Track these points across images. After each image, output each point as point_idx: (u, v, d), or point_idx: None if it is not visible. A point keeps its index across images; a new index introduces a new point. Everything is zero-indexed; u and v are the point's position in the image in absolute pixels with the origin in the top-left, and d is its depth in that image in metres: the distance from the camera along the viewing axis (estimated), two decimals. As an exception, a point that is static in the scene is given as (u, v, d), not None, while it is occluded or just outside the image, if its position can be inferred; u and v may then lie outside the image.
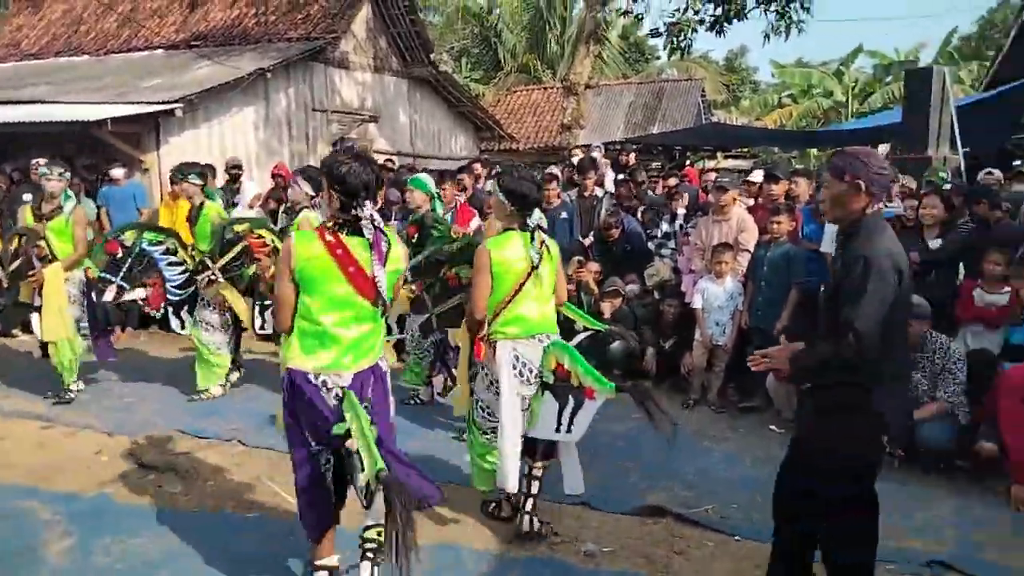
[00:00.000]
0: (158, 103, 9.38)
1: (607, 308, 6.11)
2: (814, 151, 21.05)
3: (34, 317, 5.54)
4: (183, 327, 5.74)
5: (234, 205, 8.42)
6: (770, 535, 2.97)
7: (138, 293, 5.52)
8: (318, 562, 3.05)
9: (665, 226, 7.08)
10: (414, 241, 5.23)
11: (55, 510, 3.86)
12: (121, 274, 5.48)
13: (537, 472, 3.62)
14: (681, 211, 7.06)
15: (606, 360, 3.90)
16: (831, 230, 4.88)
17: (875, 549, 2.68)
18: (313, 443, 2.89)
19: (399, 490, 2.41)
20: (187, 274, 5.66)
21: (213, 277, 5.55)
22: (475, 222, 5.99)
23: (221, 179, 8.90)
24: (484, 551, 3.51)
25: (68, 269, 5.48)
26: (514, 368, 3.48)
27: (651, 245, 7.05)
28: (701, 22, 11.69)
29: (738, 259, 5.90)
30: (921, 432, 4.43)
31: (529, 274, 3.46)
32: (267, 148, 11.35)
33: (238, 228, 5.61)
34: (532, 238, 3.49)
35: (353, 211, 2.83)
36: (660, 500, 4.04)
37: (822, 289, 2.85)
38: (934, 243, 5.42)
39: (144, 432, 4.95)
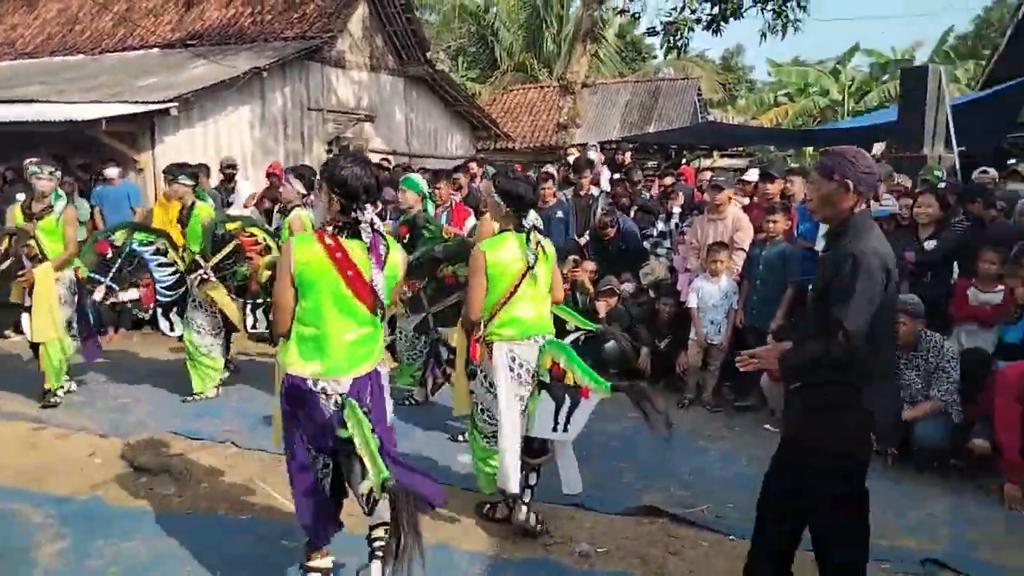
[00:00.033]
0: (153, 102, 9.35)
1: (602, 307, 6.11)
2: (810, 150, 21.06)
3: (24, 317, 5.50)
4: (172, 329, 5.71)
5: (229, 205, 8.41)
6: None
7: (132, 294, 5.49)
8: (311, 563, 3.05)
9: (661, 225, 7.08)
10: (405, 241, 5.22)
11: (47, 512, 3.84)
12: (110, 274, 5.45)
13: (534, 464, 3.65)
14: (677, 210, 7.06)
15: (601, 359, 3.91)
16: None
17: (867, 547, 2.68)
18: (312, 450, 2.88)
19: (406, 498, 2.39)
20: (177, 275, 5.63)
21: (205, 276, 5.52)
22: (470, 221, 5.99)
23: (216, 179, 8.89)
24: (478, 552, 3.51)
25: (58, 269, 5.44)
26: (511, 370, 3.48)
27: (647, 244, 7.05)
28: (698, 21, 11.72)
29: (733, 258, 5.90)
30: (915, 431, 4.43)
31: (525, 275, 3.46)
32: (263, 147, 11.33)
33: (230, 226, 5.59)
34: (528, 239, 3.49)
35: (353, 214, 2.82)
36: (655, 500, 4.04)
37: (810, 288, 2.86)
38: (929, 244, 5.42)
39: (137, 434, 4.94)
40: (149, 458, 4.49)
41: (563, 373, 3.41)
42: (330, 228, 2.87)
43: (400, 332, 5.53)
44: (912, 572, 3.39)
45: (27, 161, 5.65)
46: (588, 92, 17.20)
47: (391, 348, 5.75)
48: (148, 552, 3.46)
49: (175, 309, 5.68)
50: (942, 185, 6.50)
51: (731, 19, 11.48)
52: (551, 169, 8.83)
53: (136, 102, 9.46)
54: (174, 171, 5.75)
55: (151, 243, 5.58)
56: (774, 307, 5.52)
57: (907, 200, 5.92)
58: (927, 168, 7.82)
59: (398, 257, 2.98)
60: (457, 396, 4.09)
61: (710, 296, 5.80)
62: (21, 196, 6.03)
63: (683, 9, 11.70)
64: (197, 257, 5.56)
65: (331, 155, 11.61)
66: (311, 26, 12.32)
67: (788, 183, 6.40)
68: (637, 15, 13.58)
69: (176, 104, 9.31)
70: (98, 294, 5.40)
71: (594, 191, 7.57)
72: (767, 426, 5.29)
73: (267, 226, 6.27)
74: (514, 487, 3.47)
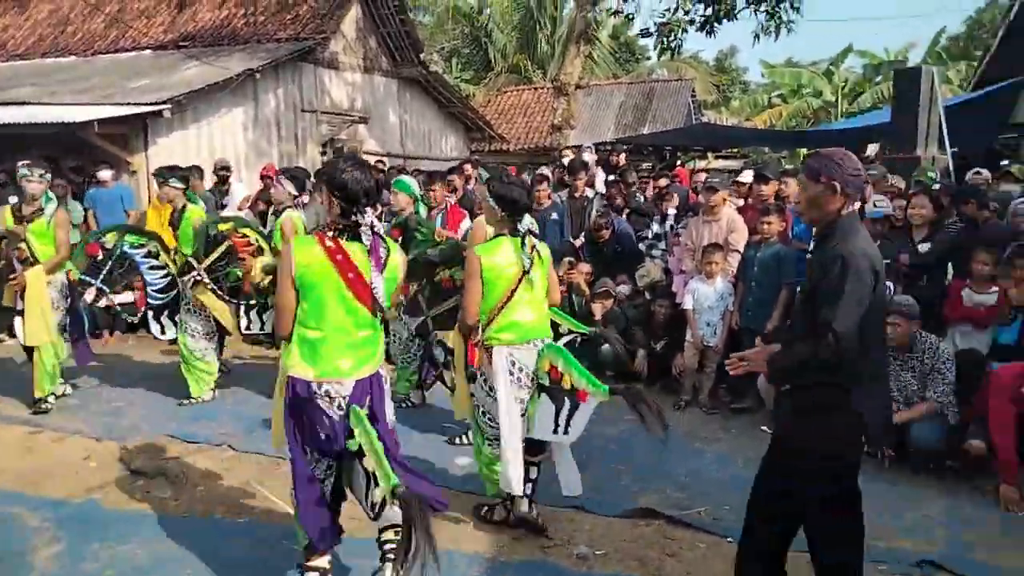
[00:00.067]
0: (146, 104, 9.31)
1: (598, 309, 6.12)
2: (804, 151, 21.12)
3: (17, 321, 5.47)
4: (163, 332, 5.69)
5: (223, 207, 8.37)
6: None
7: (126, 297, 5.47)
8: (309, 563, 3.04)
9: (656, 227, 7.09)
10: (398, 244, 5.21)
11: (43, 516, 3.82)
12: (101, 277, 5.43)
13: (534, 459, 3.68)
14: (672, 211, 7.07)
15: (598, 362, 3.92)
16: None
17: (861, 548, 2.69)
18: (314, 454, 2.88)
19: (418, 503, 2.39)
20: (168, 278, 5.61)
21: (199, 278, 5.50)
22: (465, 223, 5.98)
23: (209, 181, 8.85)
24: (477, 554, 3.50)
25: (50, 272, 5.41)
26: (510, 374, 3.50)
27: (642, 246, 7.05)
28: (691, 22, 11.74)
29: (728, 259, 5.91)
30: (911, 432, 4.44)
31: (521, 279, 3.47)
32: (256, 149, 11.30)
33: (222, 227, 5.57)
34: (523, 243, 3.50)
35: (353, 217, 2.82)
36: (652, 502, 4.04)
37: (798, 290, 2.86)
38: (923, 247, 5.44)
39: (133, 437, 4.92)
40: (145, 461, 4.48)
41: (561, 376, 3.42)
42: (330, 231, 2.87)
43: (394, 336, 5.51)
44: (908, 573, 3.40)
45: (19, 163, 5.62)
46: (582, 93, 17.23)
47: (385, 353, 5.74)
48: (144, 555, 3.45)
49: (166, 312, 5.66)
50: (935, 186, 6.52)
51: (724, 20, 11.51)
52: (545, 171, 8.83)
53: (129, 104, 9.41)
54: (164, 174, 5.73)
55: (142, 246, 5.57)
56: (769, 308, 5.54)
57: (901, 201, 5.94)
58: (921, 169, 7.85)
59: (398, 259, 3.00)
60: (457, 400, 4.09)
61: (706, 298, 5.81)
62: (13, 199, 5.99)
63: (676, 10, 11.72)
64: (190, 259, 5.54)
65: (325, 157, 11.62)
66: (304, 27, 12.28)
67: (783, 184, 6.42)
68: (631, 16, 13.63)
69: (169, 106, 9.26)
70: (88, 296, 5.38)
71: (589, 193, 7.57)
72: (763, 428, 5.27)
73: (260, 228, 6.25)
74: (517, 488, 3.50)
